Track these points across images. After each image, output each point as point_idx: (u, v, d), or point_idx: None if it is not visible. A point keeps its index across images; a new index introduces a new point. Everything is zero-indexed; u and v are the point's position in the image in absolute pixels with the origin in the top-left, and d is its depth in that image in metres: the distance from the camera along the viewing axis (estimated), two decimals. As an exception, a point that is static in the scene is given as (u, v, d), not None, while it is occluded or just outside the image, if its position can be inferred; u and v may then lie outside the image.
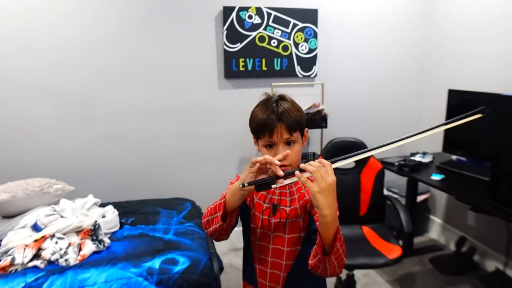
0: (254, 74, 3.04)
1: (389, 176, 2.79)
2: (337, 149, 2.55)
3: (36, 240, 1.91)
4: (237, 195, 1.13)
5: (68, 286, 1.70)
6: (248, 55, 3.00)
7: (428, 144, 3.14)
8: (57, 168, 2.78)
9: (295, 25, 3.03)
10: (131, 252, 1.98)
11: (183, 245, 2.04)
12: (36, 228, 2.03)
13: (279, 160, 1.16)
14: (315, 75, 3.16)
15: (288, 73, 3.09)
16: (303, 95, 3.15)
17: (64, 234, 2.01)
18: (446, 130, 2.74)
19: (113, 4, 2.74)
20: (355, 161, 2.51)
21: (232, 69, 3.00)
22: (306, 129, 1.31)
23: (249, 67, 3.02)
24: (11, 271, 1.80)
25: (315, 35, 3.08)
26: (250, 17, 2.94)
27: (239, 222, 1.34)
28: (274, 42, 3.02)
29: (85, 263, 1.86)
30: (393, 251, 2.23)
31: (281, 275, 1.27)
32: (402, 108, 3.50)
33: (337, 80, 3.26)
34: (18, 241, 1.94)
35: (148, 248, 2.01)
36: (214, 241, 1.25)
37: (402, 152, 3.18)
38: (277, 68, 3.07)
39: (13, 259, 1.82)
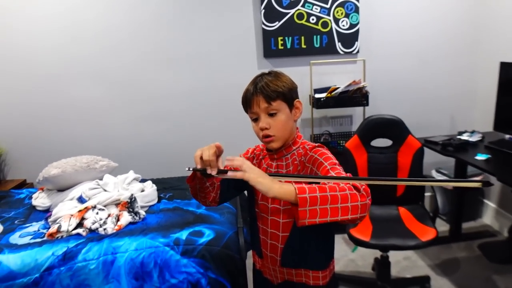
0: (294, 53, 3.00)
1: (439, 156, 2.63)
2: (373, 127, 2.46)
3: (80, 211, 2.10)
4: None
5: (103, 252, 1.86)
6: (286, 34, 2.97)
7: (479, 122, 2.91)
8: (105, 146, 3.01)
9: (334, 0, 2.92)
10: (163, 224, 2.10)
11: (212, 219, 2.13)
12: (81, 200, 2.23)
13: (261, 128, 1.24)
14: (357, 51, 3.05)
15: (328, 50, 3.01)
16: (344, 73, 3.06)
17: (104, 206, 2.18)
18: (498, 107, 2.53)
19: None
20: (392, 139, 2.42)
21: (271, 48, 3.00)
22: (298, 100, 1.30)
23: (288, 46, 2.99)
24: (57, 237, 2.01)
25: (356, 10, 2.96)
26: (287, -6, 2.90)
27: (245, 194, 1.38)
28: (313, 19, 2.95)
29: (121, 233, 2.02)
30: (427, 233, 2.13)
31: (278, 246, 1.30)
32: (453, 84, 3.25)
33: (380, 56, 3.11)
34: (65, 211, 2.14)
35: (179, 220, 2.13)
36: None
37: (449, 130, 2.98)
38: (317, 45, 3.00)
39: (59, 227, 2.02)
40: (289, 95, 1.25)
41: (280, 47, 2.99)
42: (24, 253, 1.88)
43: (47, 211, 2.35)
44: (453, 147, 2.50)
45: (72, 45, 2.88)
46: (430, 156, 2.84)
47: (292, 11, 2.92)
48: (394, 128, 2.45)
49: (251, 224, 1.42)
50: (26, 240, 2.01)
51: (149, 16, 2.89)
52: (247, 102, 1.25)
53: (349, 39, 3.01)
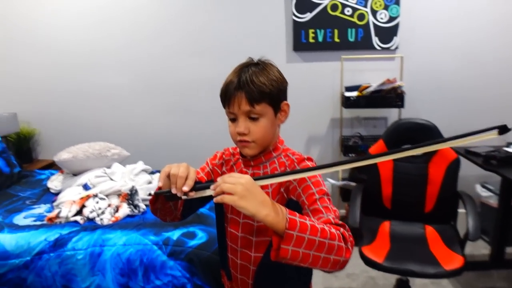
0: (326, 46, 2.78)
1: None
2: (402, 132, 2.20)
3: (81, 198, 2.09)
4: None
5: (92, 243, 1.81)
6: (318, 26, 2.75)
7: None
8: (127, 133, 3.03)
9: (373, -10, 2.66)
10: (159, 220, 2.02)
11: (209, 220, 2.01)
12: (86, 187, 2.22)
13: (239, 133, 1.05)
14: (396, 47, 2.75)
15: (363, 45, 2.75)
16: (379, 70, 2.79)
17: (106, 195, 2.15)
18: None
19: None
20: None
21: (301, 41, 2.80)
22: (285, 102, 1.12)
23: (320, 39, 2.78)
24: (56, 222, 2.00)
25: (397, 1, 2.67)
26: (321, -18, 2.68)
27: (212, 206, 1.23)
28: (348, 11, 2.70)
29: (116, 225, 1.96)
30: (452, 260, 1.85)
31: (250, 268, 1.13)
32: (505, 89, 2.82)
33: (421, 53, 2.78)
34: (69, 197, 2.14)
35: (177, 218, 2.04)
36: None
37: (498, 141, 2.59)
38: (351, 39, 2.75)
39: (59, 212, 2.01)
40: (277, 97, 1.07)
41: (311, 40, 2.78)
42: (21, 235, 1.89)
43: (58, 194, 2.37)
44: (497, 160, 2.16)
45: (102, 38, 2.93)
46: (474, 169, 2.49)
47: (326, 1, 2.70)
48: (427, 135, 2.16)
49: (219, 240, 1.24)
50: (28, 221, 2.03)
51: (177, 7, 2.83)
52: (226, 97, 1.07)
53: (387, 34, 2.72)
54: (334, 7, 2.70)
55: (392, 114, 2.88)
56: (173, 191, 0.92)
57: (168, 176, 0.93)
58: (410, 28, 2.74)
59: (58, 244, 1.83)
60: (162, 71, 2.94)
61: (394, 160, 2.18)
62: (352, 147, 2.70)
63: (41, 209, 2.18)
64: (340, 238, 0.88)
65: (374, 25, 2.71)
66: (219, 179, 0.87)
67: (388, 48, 2.75)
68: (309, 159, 1.11)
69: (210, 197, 1.15)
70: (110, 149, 2.45)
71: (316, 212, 0.98)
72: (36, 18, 2.93)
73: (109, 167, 2.40)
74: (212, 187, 0.88)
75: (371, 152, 2.19)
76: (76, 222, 2.00)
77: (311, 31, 2.77)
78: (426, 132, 2.16)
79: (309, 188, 1.01)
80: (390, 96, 2.60)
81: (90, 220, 2.01)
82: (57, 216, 2.00)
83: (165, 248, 1.78)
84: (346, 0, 2.68)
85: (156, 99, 2.99)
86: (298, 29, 2.77)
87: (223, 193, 0.84)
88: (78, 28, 2.93)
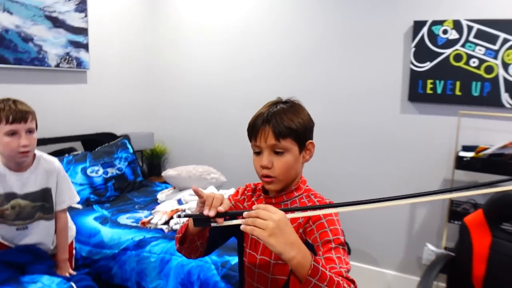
0: (444, 99, 2.55)
1: None
2: (509, 205, 1.83)
3: (172, 211, 2.34)
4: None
5: (165, 250, 2.02)
6: (438, 76, 2.56)
7: None
8: (236, 162, 3.23)
9: (506, 41, 2.35)
10: (228, 245, 2.11)
11: (273, 255, 2.01)
12: (179, 202, 2.48)
13: (262, 167, 1.07)
14: (532, 107, 2.35)
15: (489, 101, 2.43)
16: (506, 131, 2.40)
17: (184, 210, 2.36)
18: None
19: (302, 22, 2.96)
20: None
21: (418, 91, 2.63)
22: (311, 141, 1.12)
23: (439, 90, 2.57)
24: (147, 227, 2.29)
25: (537, 54, 2.30)
26: (445, 31, 2.50)
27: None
28: (474, 62, 2.44)
29: (191, 240, 2.14)
30: None
31: None
32: None
33: None
34: (164, 208, 2.42)
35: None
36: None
37: None
38: (475, 93, 2.46)
39: (151, 219, 2.31)
40: (303, 135, 1.10)
41: (428, 91, 2.59)
42: (117, 231, 2.22)
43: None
44: None
45: (229, 71, 3.27)
46: None
47: (449, 51, 2.50)
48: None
49: (239, 275, 1.26)
50: (128, 221, 2.38)
51: (295, 47, 3.00)
52: (254, 130, 1.10)
53: (521, 90, 2.35)
54: (458, 57, 2.48)
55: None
56: (206, 212, 0.95)
57: (203, 203, 0.98)
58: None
59: (140, 244, 2.09)
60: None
61: (494, 235, 1.82)
62: (460, 214, 2.36)
63: (142, 214, 2.51)
64: None
65: (505, 79, 2.37)
66: (254, 207, 0.90)
67: (520, 107, 2.37)
68: (331, 203, 1.07)
69: (232, 233, 1.21)
70: (210, 173, 2.69)
71: (329, 261, 0.96)
72: (180, 50, 3.47)
73: (205, 188, 2.63)
74: (245, 214, 0.89)
75: (466, 222, 1.88)
76: (161, 230, 2.25)
77: (429, 81, 2.59)
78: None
79: (326, 235, 1.01)
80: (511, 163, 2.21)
81: (173, 231, 2.23)
82: (149, 222, 2.29)
83: (221, 269, 1.86)
84: (473, 50, 2.44)
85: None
86: (416, 78, 2.62)
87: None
88: (215, 63, 3.33)
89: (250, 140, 1.13)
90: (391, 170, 2.76)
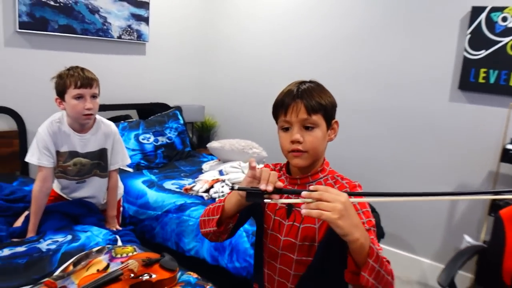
0: (496, 90, 2.45)
1: None
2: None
3: (213, 180, 2.50)
4: (234, 199, 1.05)
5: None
6: (493, 65, 2.45)
7: None
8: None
9: None
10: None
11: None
12: (221, 173, 2.62)
13: (292, 141, 1.09)
14: None
15: (547, 94, 2.31)
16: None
17: (232, 183, 2.49)
18: None
19: (355, 5, 2.94)
20: None
21: (469, 80, 2.55)
22: (336, 120, 1.17)
23: (491, 80, 2.47)
24: (189, 193, 2.46)
25: None
26: (504, 19, 2.38)
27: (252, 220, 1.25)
28: (533, 52, 2.32)
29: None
30: None
31: (288, 286, 1.15)
32: None
33: None
34: (206, 177, 2.59)
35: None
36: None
37: None
38: (532, 85, 2.35)
39: (193, 186, 2.48)
40: (330, 112, 1.13)
41: (481, 80, 2.50)
42: (161, 194, 2.42)
43: (204, 174, 2.88)
44: None
45: (279, 50, 3.33)
46: None
47: (506, 39, 2.38)
48: None
49: (256, 252, 1.25)
50: (172, 187, 2.57)
51: (347, 32, 2.99)
52: (284, 105, 1.10)
53: None
54: (516, 46, 2.36)
55: None
56: (263, 187, 0.92)
57: (254, 177, 0.98)
58: None
59: (181, 208, 2.28)
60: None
61: (528, 230, 1.79)
62: (502, 208, 2.28)
63: (186, 181, 2.69)
64: (393, 274, 0.93)
65: None
66: (312, 187, 0.88)
67: None
68: (360, 186, 1.11)
69: (252, 214, 1.21)
70: (252, 148, 2.81)
71: None
72: (234, 27, 3.58)
73: (246, 162, 2.76)
74: (304, 193, 0.88)
75: (501, 214, 1.85)
76: (201, 197, 2.41)
77: (482, 70, 2.49)
78: None
79: (360, 218, 0.99)
80: None
81: (212, 199, 2.39)
82: (191, 189, 2.47)
83: (251, 237, 1.99)
84: (533, 40, 2.31)
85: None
86: (468, 66, 2.53)
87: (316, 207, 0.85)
88: (267, 41, 3.41)
89: (277, 117, 1.14)
90: (434, 158, 2.72)
